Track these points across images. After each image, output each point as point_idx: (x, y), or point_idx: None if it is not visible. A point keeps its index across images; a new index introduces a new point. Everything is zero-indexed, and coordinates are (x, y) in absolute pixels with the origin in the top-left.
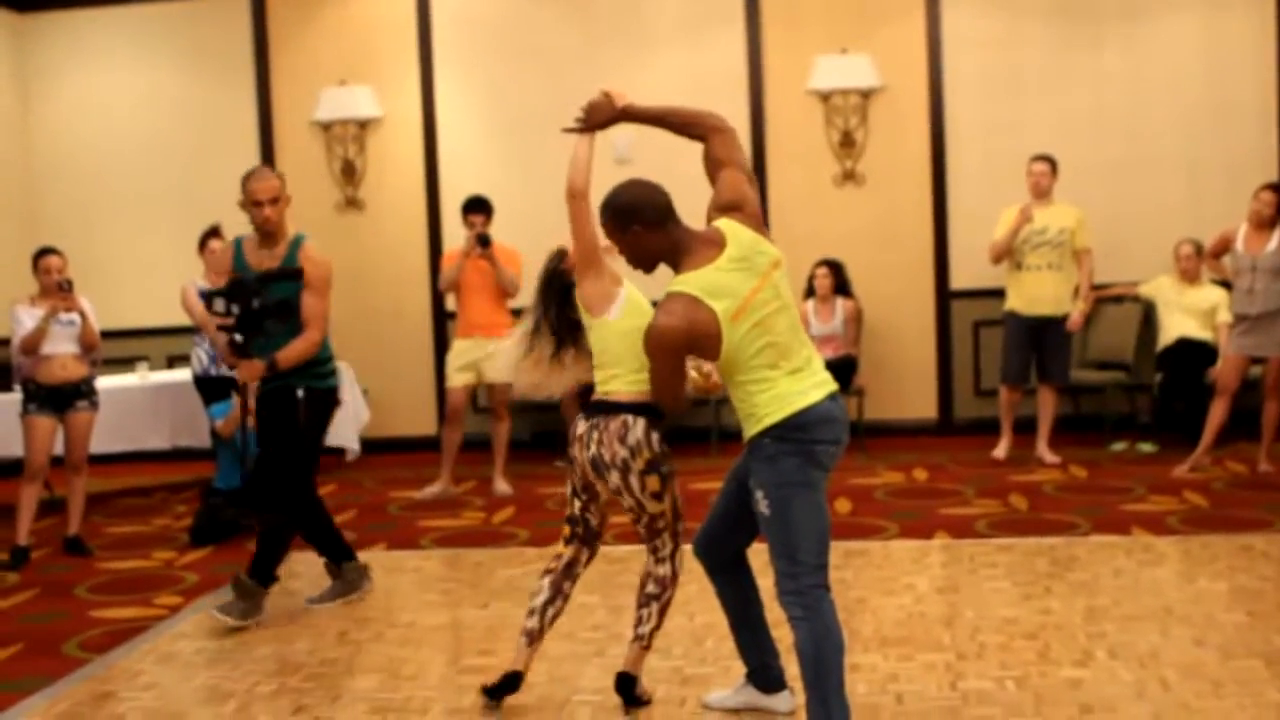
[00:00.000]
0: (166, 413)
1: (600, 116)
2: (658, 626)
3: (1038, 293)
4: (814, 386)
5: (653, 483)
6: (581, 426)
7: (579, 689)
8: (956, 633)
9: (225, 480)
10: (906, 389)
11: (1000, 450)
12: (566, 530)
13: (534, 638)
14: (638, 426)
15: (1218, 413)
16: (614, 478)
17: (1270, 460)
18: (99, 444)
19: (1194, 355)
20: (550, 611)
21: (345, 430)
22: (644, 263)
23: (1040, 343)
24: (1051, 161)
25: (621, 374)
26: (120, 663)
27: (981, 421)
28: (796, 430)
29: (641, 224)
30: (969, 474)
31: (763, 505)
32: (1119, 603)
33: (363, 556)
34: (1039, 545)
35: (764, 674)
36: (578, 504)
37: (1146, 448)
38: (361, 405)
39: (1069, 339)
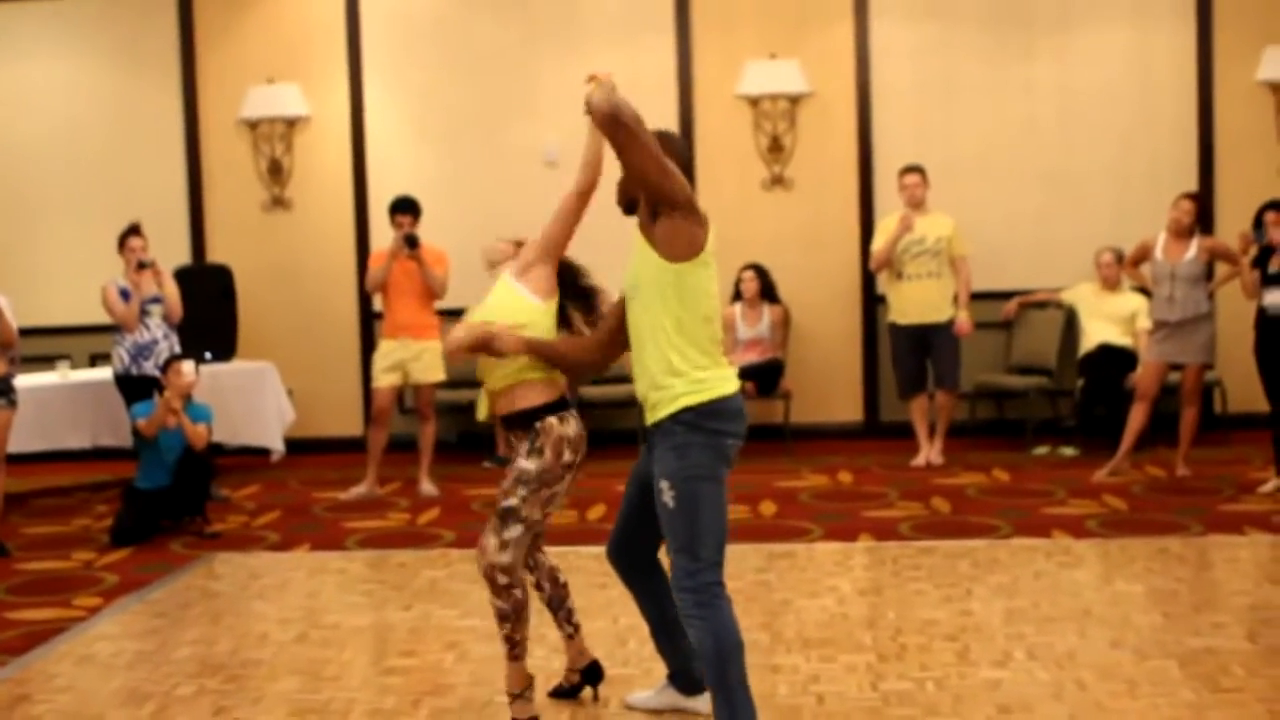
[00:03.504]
0: (87, 411)
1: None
2: None
3: (919, 301)
4: (729, 379)
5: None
6: (575, 426)
7: (502, 690)
8: (878, 634)
9: (147, 480)
10: (832, 392)
11: (920, 459)
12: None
13: (574, 631)
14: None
15: (1137, 418)
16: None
17: (1187, 465)
18: (18, 443)
19: (1115, 361)
20: (565, 606)
21: (270, 430)
22: (624, 194)
23: (929, 349)
24: (922, 172)
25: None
26: (37, 664)
27: (907, 425)
28: (711, 418)
29: (671, 152)
30: (893, 477)
31: (667, 497)
32: (1038, 604)
33: (286, 557)
34: (961, 548)
35: (685, 676)
36: (551, 510)
37: (1068, 452)
38: (287, 405)
39: (957, 344)
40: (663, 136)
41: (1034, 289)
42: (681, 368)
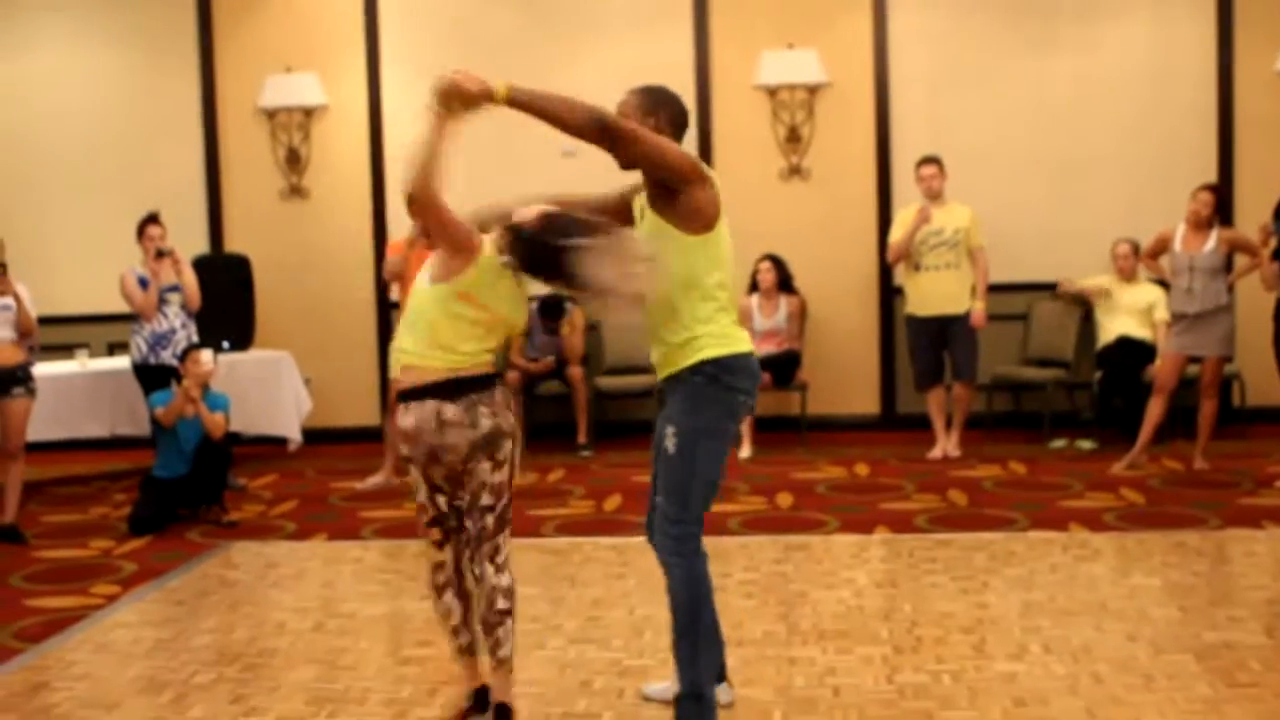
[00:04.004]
0: (106, 400)
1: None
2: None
3: (937, 292)
4: (746, 339)
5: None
6: (413, 419)
7: (517, 680)
8: (894, 626)
9: (165, 469)
10: (849, 384)
11: (936, 452)
12: (437, 534)
13: (468, 650)
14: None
15: (1155, 411)
16: (507, 446)
17: (1205, 458)
18: (37, 431)
19: (1133, 353)
20: (471, 619)
21: (287, 419)
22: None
23: (947, 341)
24: (940, 163)
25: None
26: (55, 652)
27: (923, 417)
28: (728, 373)
29: (667, 118)
30: (910, 469)
31: (670, 442)
32: (1054, 598)
33: (303, 546)
34: (977, 540)
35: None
36: (443, 499)
37: (1085, 445)
38: (304, 395)
39: (975, 335)
40: (648, 93)
41: (1050, 280)
42: (704, 323)
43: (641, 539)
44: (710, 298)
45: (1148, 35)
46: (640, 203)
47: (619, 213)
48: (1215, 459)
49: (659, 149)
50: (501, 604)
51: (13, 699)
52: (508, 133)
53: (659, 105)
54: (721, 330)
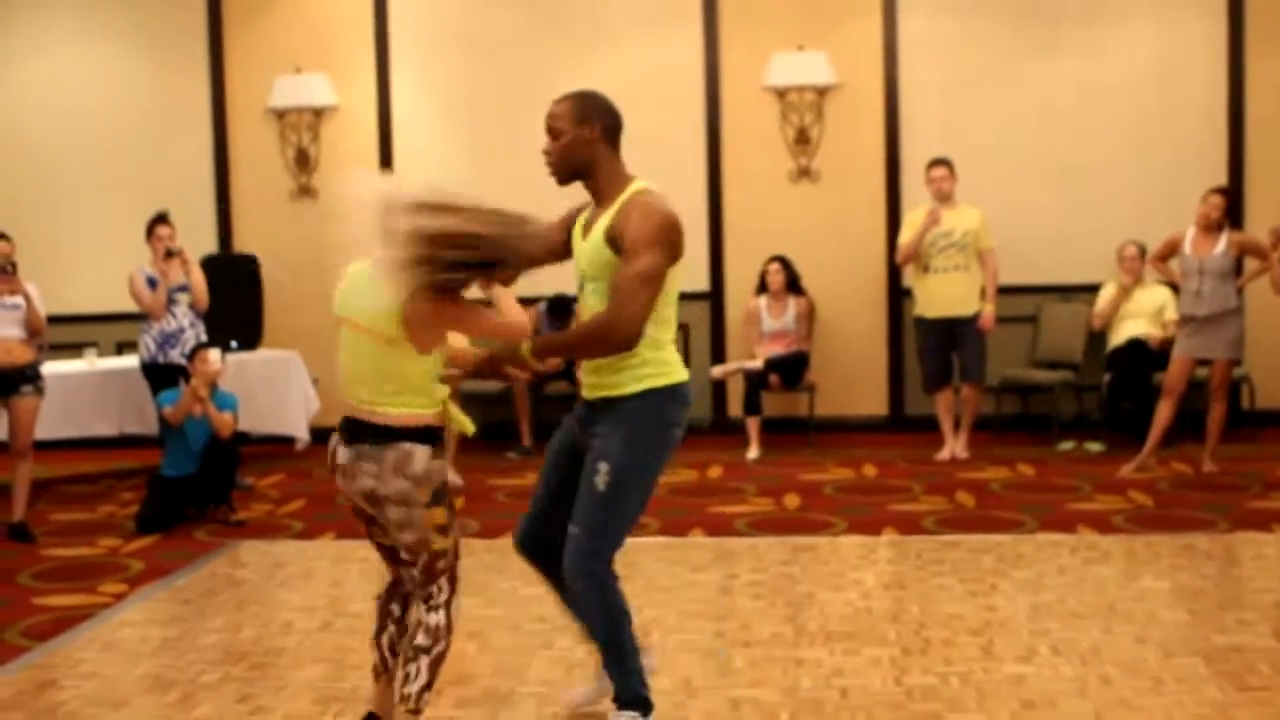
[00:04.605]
0: (115, 399)
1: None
2: (428, 685)
3: (946, 294)
4: (682, 366)
5: (438, 515)
6: (344, 455)
7: (525, 680)
8: (902, 628)
9: (173, 468)
10: (857, 385)
11: (944, 453)
12: (381, 553)
13: (379, 672)
14: (420, 456)
15: (1164, 414)
16: (394, 513)
17: (1214, 461)
18: (46, 430)
19: (1144, 356)
20: (385, 640)
21: (295, 419)
22: (573, 166)
23: (955, 343)
24: (950, 165)
25: (403, 392)
26: (62, 650)
27: (932, 419)
28: (670, 403)
29: (603, 127)
30: (918, 471)
31: (601, 480)
32: (1063, 600)
33: (311, 546)
34: (985, 542)
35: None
36: (376, 530)
37: (1094, 447)
38: (312, 394)
39: (984, 337)
40: (581, 101)
41: (1059, 283)
42: (654, 348)
43: (646, 539)
44: (668, 326)
45: (1157, 38)
46: (584, 220)
47: (564, 240)
48: (1224, 462)
49: (650, 297)
50: (421, 640)
51: (20, 697)
52: (520, 132)
53: (593, 114)
54: (667, 358)
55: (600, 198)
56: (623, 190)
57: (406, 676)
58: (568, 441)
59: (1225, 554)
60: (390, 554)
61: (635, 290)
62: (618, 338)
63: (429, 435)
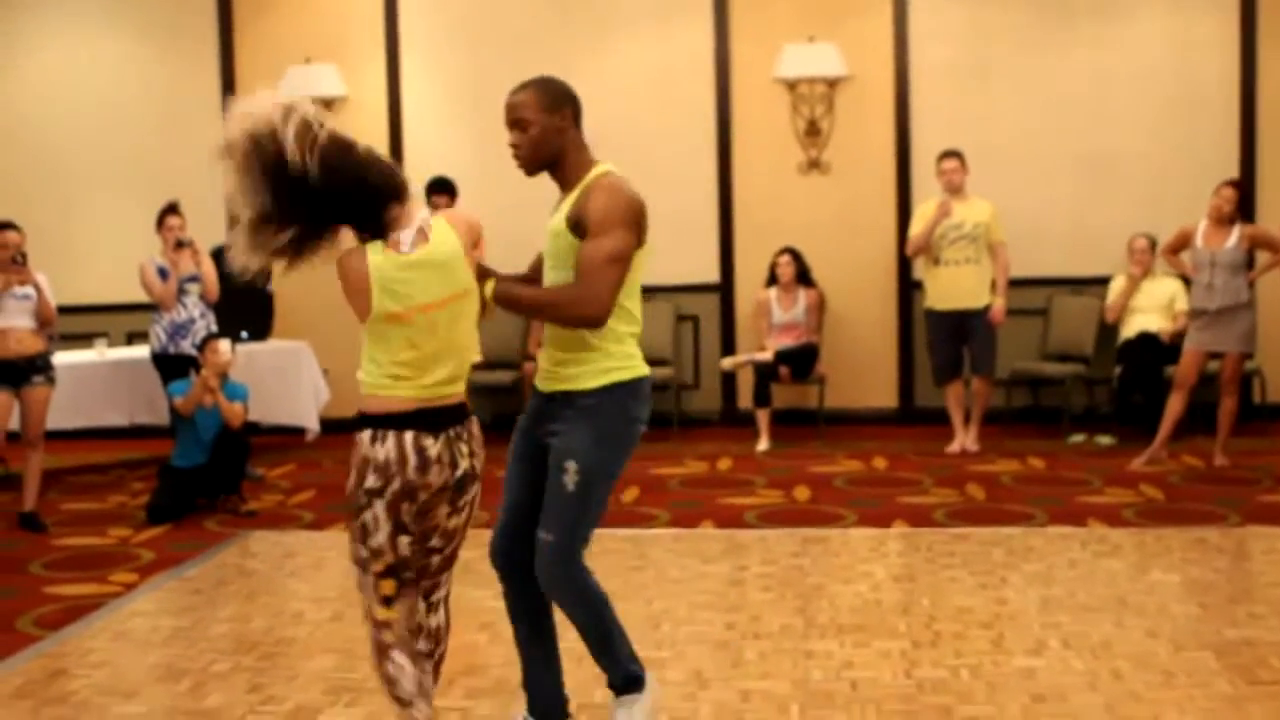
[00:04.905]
0: (125, 389)
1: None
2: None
3: (957, 287)
4: (643, 360)
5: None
6: (435, 444)
7: None
8: (912, 621)
9: (183, 458)
10: (867, 377)
11: (954, 446)
12: (390, 587)
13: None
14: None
15: (1175, 407)
16: (474, 491)
17: (1225, 454)
18: (57, 420)
19: (1154, 349)
20: (429, 680)
21: (305, 409)
22: (544, 157)
23: (966, 336)
24: (961, 157)
25: (464, 368)
26: (73, 640)
27: (942, 411)
28: (634, 398)
29: (573, 113)
30: (928, 463)
31: (569, 478)
32: (1073, 593)
33: (321, 536)
34: (996, 535)
35: (553, 706)
36: (406, 541)
37: (1104, 440)
38: (322, 385)
39: (994, 330)
40: (548, 88)
41: (1070, 276)
42: (618, 342)
43: (656, 531)
44: (631, 319)
45: (1169, 30)
46: (555, 222)
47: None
48: (1235, 455)
49: (619, 277)
50: (421, 645)
51: (31, 686)
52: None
53: (562, 100)
54: (630, 351)
55: (567, 185)
56: (587, 174)
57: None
58: (527, 447)
59: (1236, 548)
60: (400, 584)
61: (603, 267)
62: (586, 312)
63: None
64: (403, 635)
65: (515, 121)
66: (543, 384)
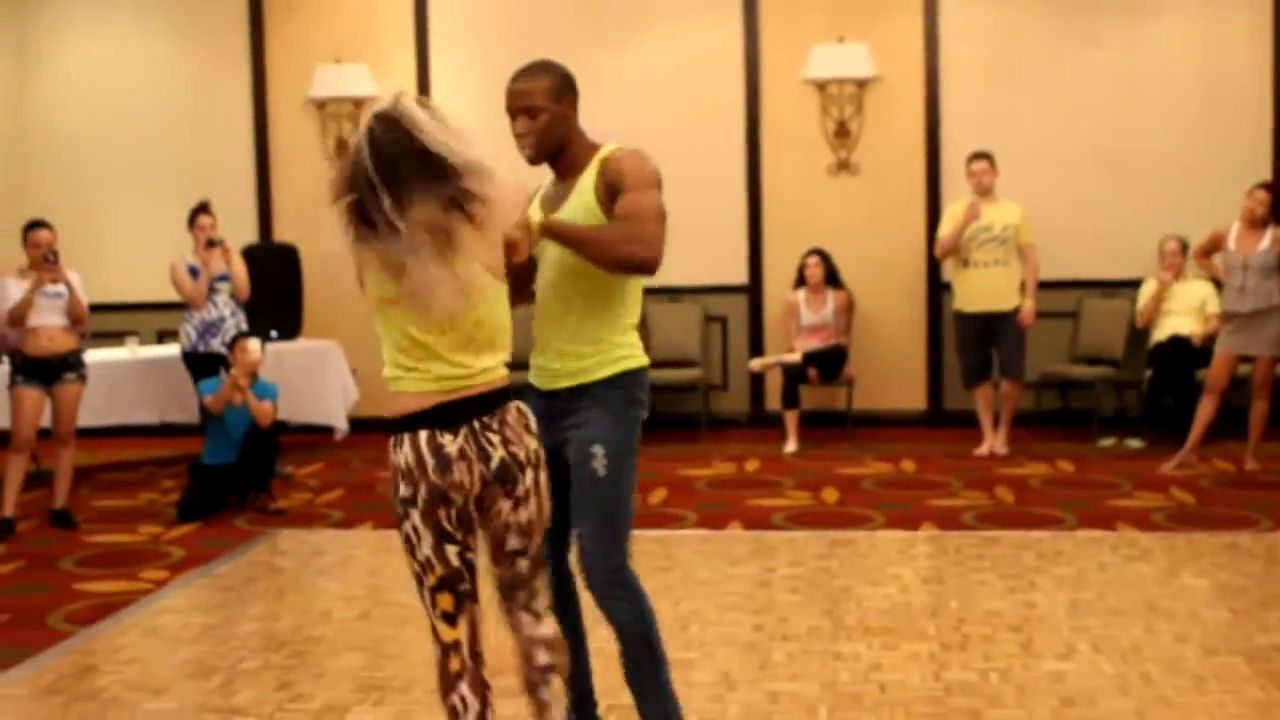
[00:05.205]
0: (156, 387)
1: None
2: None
3: (985, 289)
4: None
5: (544, 479)
6: (454, 441)
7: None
8: (941, 623)
9: (213, 456)
10: (896, 379)
11: (984, 449)
12: (449, 601)
13: None
14: (530, 413)
15: (1206, 410)
16: (529, 478)
17: (1257, 458)
18: (88, 417)
19: (1185, 352)
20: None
21: (334, 409)
22: (553, 145)
23: (994, 338)
24: (990, 159)
25: (502, 354)
26: (104, 636)
27: (971, 414)
28: (639, 388)
29: (572, 101)
30: (957, 466)
31: (599, 464)
32: (1103, 597)
33: (349, 535)
34: (1025, 538)
35: (582, 699)
36: (453, 550)
37: (1134, 444)
38: (350, 385)
39: (1023, 333)
40: (558, 74)
41: (1100, 278)
42: (622, 333)
43: (684, 532)
44: (636, 308)
45: (1201, 29)
46: (541, 196)
47: None
48: (1266, 459)
49: (664, 229)
50: (542, 658)
51: (63, 681)
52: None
53: (568, 86)
54: (634, 341)
55: (570, 171)
56: (594, 154)
57: (542, 706)
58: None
59: (1267, 553)
60: (475, 583)
61: (654, 216)
62: (645, 253)
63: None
64: (469, 665)
65: (526, 110)
66: (545, 383)
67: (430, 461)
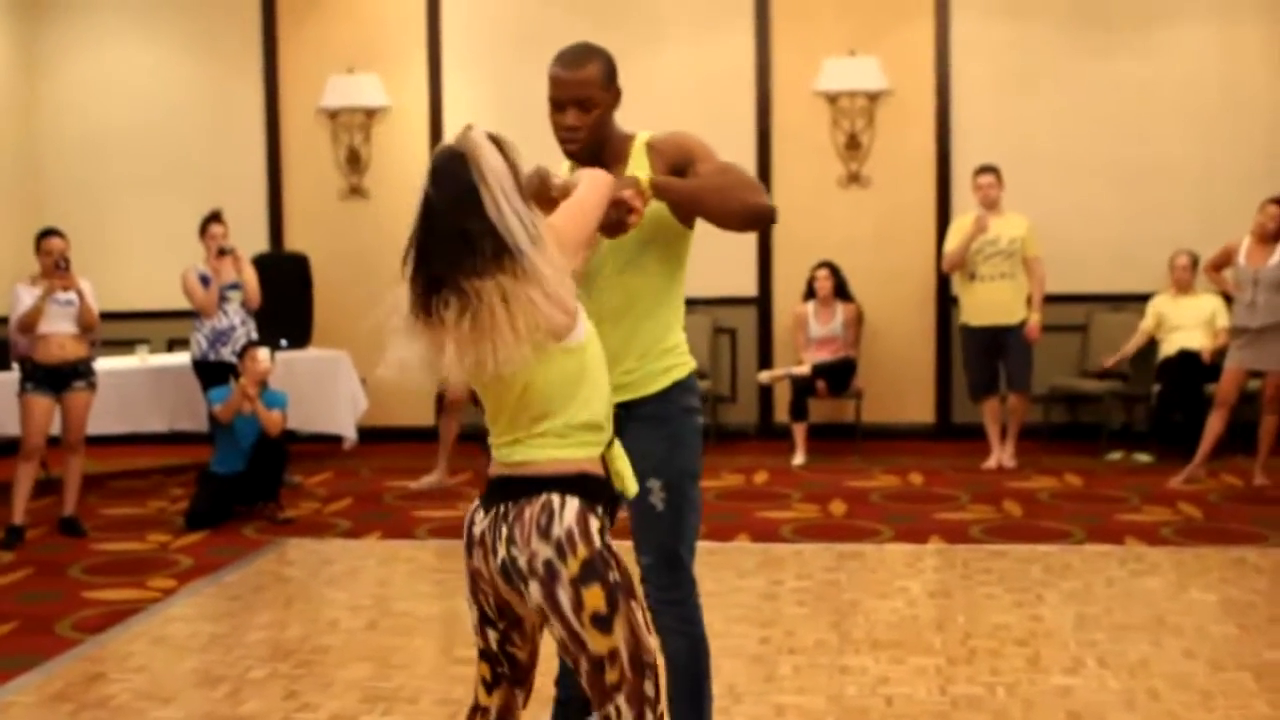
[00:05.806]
0: (166, 396)
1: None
2: None
3: (992, 302)
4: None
5: (593, 598)
6: (481, 521)
7: None
8: (948, 637)
9: (222, 465)
10: (904, 392)
11: (992, 462)
12: (485, 670)
13: None
14: (568, 510)
15: (1215, 425)
16: (534, 591)
17: (1266, 474)
18: (97, 425)
19: (1194, 367)
20: None
21: (343, 418)
22: (599, 138)
23: (1002, 351)
24: (997, 172)
25: (554, 427)
26: (112, 644)
27: (979, 427)
28: (693, 395)
29: (619, 89)
30: (965, 479)
31: (657, 499)
32: (1110, 612)
33: (358, 545)
34: (1033, 552)
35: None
36: (494, 635)
37: (1142, 458)
38: (360, 393)
39: (1030, 346)
40: (607, 60)
41: (1110, 292)
42: (675, 337)
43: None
44: (681, 305)
45: (1214, 41)
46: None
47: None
48: (1275, 475)
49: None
50: None
51: (71, 689)
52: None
53: (615, 71)
54: (684, 342)
55: (613, 162)
56: (630, 144)
57: None
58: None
59: (1275, 568)
60: (519, 670)
61: (743, 170)
62: (762, 198)
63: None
64: None
65: (581, 101)
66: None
67: (464, 537)
